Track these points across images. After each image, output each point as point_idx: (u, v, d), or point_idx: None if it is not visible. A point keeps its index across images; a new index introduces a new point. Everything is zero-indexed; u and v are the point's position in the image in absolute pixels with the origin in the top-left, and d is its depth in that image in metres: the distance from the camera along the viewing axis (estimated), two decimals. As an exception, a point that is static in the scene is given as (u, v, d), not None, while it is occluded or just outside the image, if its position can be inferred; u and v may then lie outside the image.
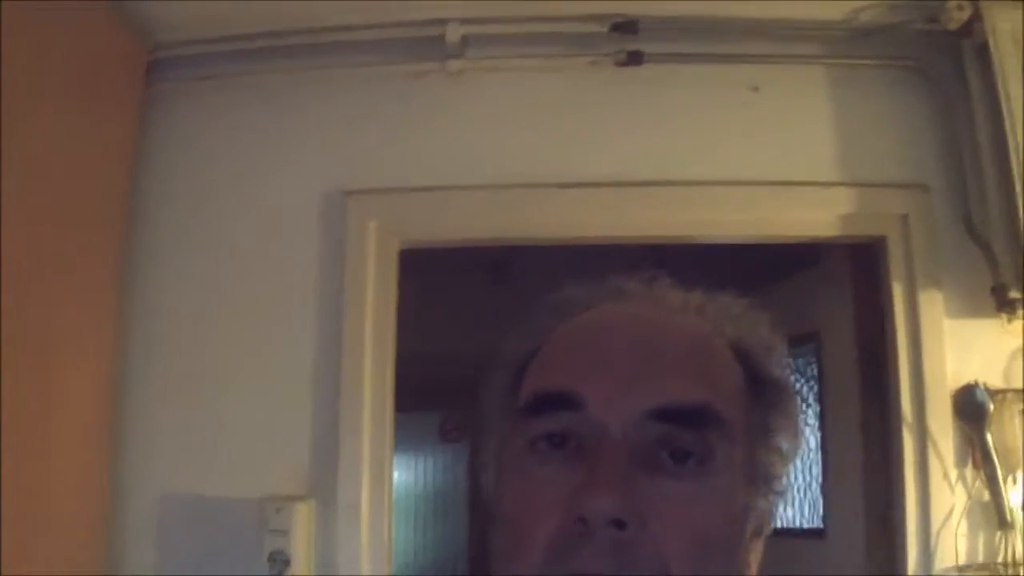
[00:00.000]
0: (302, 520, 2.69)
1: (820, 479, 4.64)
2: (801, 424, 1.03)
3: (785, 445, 0.99)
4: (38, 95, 2.42)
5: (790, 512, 4.92)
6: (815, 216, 2.89)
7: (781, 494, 0.99)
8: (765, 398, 0.98)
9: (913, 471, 2.70)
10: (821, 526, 4.65)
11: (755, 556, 0.97)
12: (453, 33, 2.85)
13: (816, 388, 4.67)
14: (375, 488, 2.76)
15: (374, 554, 2.74)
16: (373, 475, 2.76)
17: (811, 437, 4.70)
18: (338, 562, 2.71)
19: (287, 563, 2.66)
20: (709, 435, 0.89)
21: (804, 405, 4.79)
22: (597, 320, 0.98)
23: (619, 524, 0.83)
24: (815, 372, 4.67)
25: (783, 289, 4.83)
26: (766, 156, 2.87)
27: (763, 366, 0.99)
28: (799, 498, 4.88)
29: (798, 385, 4.84)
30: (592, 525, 0.83)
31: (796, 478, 4.86)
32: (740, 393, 0.96)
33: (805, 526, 4.82)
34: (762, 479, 0.96)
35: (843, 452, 4.06)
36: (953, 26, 2.70)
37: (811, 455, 4.71)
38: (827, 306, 4.29)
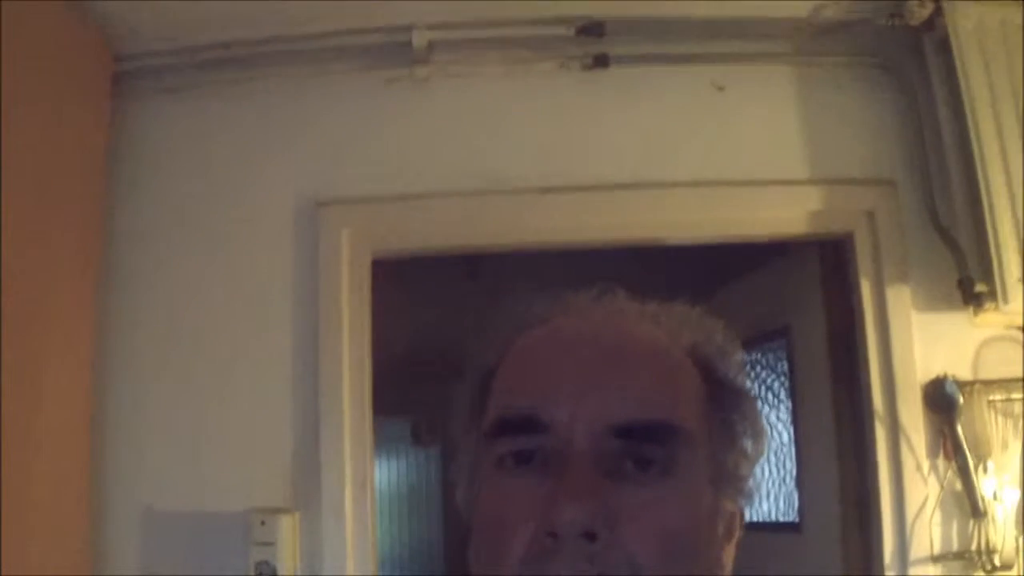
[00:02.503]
0: (287, 531, 2.70)
1: (795, 473, 4.65)
2: (763, 425, 1.04)
3: (748, 446, 1.00)
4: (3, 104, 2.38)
5: (765, 506, 4.93)
6: (783, 214, 2.92)
7: (749, 495, 1.01)
8: (725, 402, 0.99)
9: (886, 463, 2.74)
10: (796, 519, 4.66)
11: (728, 558, 0.99)
12: (419, 39, 2.84)
13: (787, 383, 4.69)
14: (358, 496, 2.77)
15: (359, 561, 2.75)
16: (356, 483, 2.77)
17: (784, 431, 4.73)
18: (324, 570, 2.73)
19: (274, 573, 2.67)
20: (670, 446, 0.91)
21: (775, 400, 4.81)
22: (555, 336, 0.99)
23: (590, 536, 0.85)
24: (786, 367, 4.68)
25: (751, 283, 4.84)
26: (733, 155, 2.89)
27: (721, 371, 1.00)
28: (774, 492, 4.89)
29: (769, 380, 4.88)
30: (563, 538, 0.85)
31: (771, 472, 4.88)
32: (700, 400, 0.97)
33: (781, 519, 4.84)
34: (727, 481, 0.97)
35: (816, 446, 4.06)
36: (915, 22, 2.72)
37: (784, 449, 4.74)
38: (796, 300, 4.29)
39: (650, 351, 0.97)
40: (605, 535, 0.86)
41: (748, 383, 1.05)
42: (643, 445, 0.90)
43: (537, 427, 0.91)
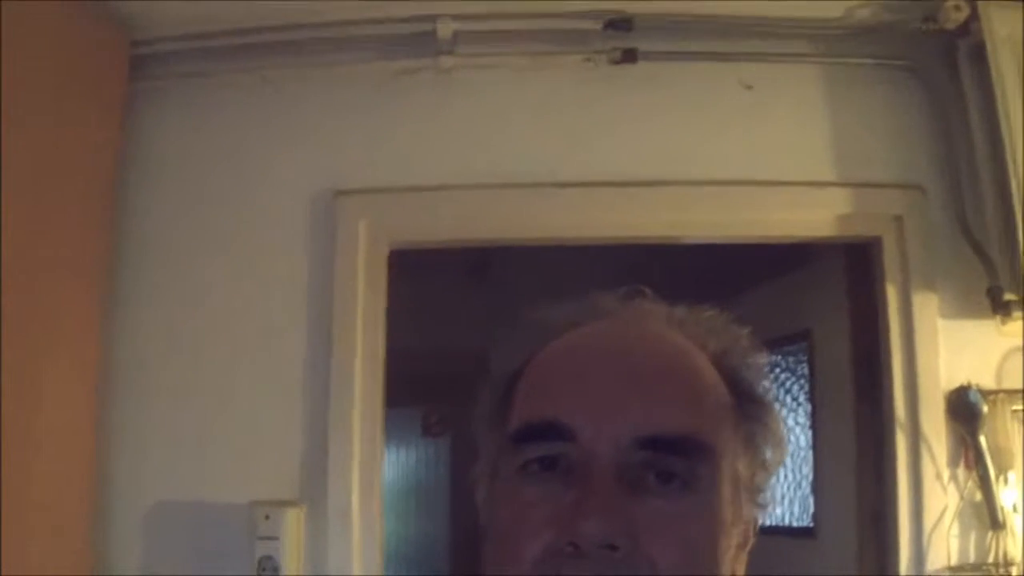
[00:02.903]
0: (292, 526, 2.68)
1: (811, 478, 4.64)
2: (783, 434, 1.05)
3: (768, 455, 1.02)
4: (17, 92, 2.35)
5: (779, 511, 4.92)
6: (809, 216, 2.88)
7: (765, 506, 1.03)
8: (749, 413, 1.00)
9: (906, 471, 2.71)
10: (811, 525, 4.65)
11: (741, 566, 1.00)
12: (444, 29, 2.81)
13: (807, 386, 4.67)
14: (366, 492, 2.74)
15: (366, 558, 2.72)
16: (364, 479, 2.74)
17: (801, 435, 4.71)
18: (329, 566, 2.70)
19: (277, 569, 2.64)
20: (694, 460, 0.92)
21: (794, 403, 4.79)
22: (581, 343, 1.00)
23: (611, 547, 0.87)
24: (806, 371, 4.67)
25: (774, 287, 4.84)
26: (760, 155, 2.86)
27: (746, 382, 1.02)
28: (789, 496, 4.88)
29: (789, 383, 4.86)
30: (584, 548, 0.87)
31: (786, 477, 4.87)
32: (725, 410, 0.98)
33: (795, 524, 4.82)
34: (746, 492, 0.99)
35: (834, 451, 4.06)
36: (950, 26, 2.69)
37: (801, 453, 4.72)
38: (819, 305, 4.29)
39: (678, 362, 0.98)
40: (627, 546, 0.87)
41: (769, 388, 1.06)
42: (667, 458, 0.91)
43: (562, 435, 0.92)
